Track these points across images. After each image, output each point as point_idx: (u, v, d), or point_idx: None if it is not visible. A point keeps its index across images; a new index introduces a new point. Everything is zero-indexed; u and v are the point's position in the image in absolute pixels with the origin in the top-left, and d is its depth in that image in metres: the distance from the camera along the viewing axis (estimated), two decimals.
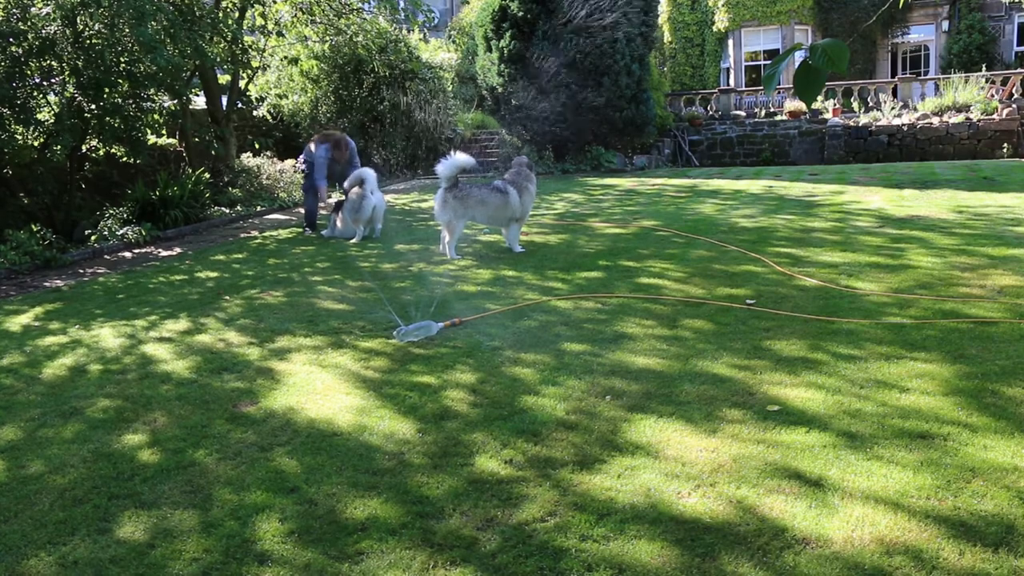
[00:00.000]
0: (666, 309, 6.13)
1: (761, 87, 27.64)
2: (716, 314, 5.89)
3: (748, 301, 6.17)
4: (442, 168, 8.58)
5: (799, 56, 2.44)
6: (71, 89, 12.25)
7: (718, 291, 6.57)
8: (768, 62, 30.58)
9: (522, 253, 8.67)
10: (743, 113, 24.58)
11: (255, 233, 12.27)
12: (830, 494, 3.27)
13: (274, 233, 11.85)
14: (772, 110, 24.08)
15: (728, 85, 29.28)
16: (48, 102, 12.77)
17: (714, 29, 31.00)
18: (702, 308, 6.09)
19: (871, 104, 23.16)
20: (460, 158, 8.59)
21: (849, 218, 10.02)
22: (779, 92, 24.31)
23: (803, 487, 3.34)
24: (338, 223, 10.90)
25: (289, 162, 17.21)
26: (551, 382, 4.66)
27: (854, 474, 3.42)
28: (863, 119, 22.03)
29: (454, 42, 26.86)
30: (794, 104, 23.13)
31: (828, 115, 22.56)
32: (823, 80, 2.37)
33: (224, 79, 17.20)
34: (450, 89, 22.64)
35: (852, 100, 23.51)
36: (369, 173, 10.50)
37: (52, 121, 12.40)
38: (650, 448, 3.75)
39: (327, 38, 18.35)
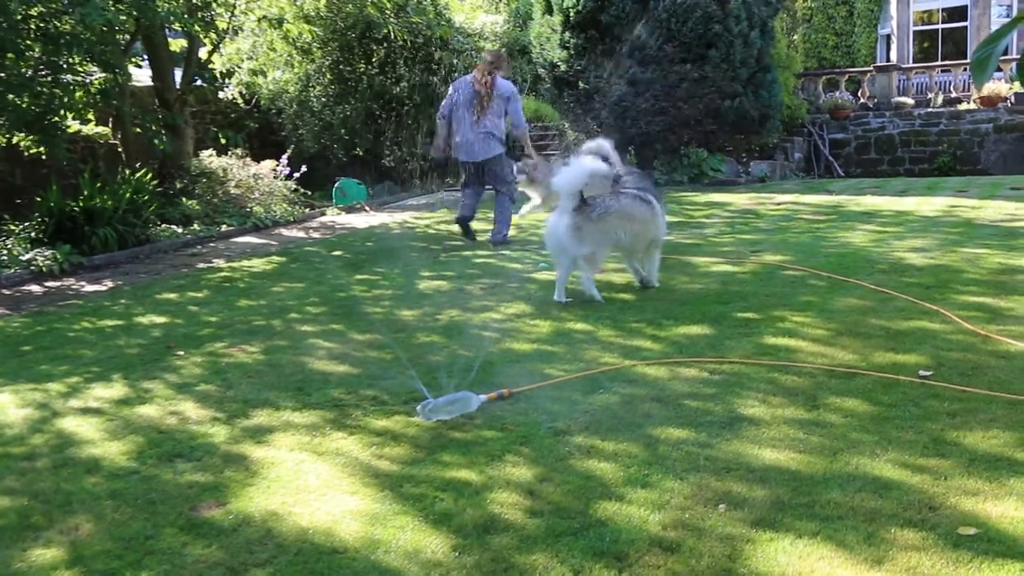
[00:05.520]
0: (802, 381, 6.10)
1: (937, 63, 27.55)
2: (876, 390, 5.85)
3: (923, 373, 6.12)
4: (565, 180, 8.28)
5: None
6: None
7: (877, 357, 6.53)
8: (948, 25, 30.44)
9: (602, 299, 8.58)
10: (910, 100, 24.48)
11: (219, 262, 12.49)
12: None
13: (247, 263, 12.07)
14: (954, 95, 23.89)
15: (888, 60, 29.20)
16: None
17: None
18: (855, 381, 6.05)
19: None
20: (590, 162, 8.34)
21: None
22: (965, 70, 24.01)
23: None
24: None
25: (268, 163, 17.38)
26: (640, 482, 4.66)
27: None
28: None
29: None
30: (990, 87, 22.79)
31: None
32: None
33: (178, 45, 17.49)
34: None
35: None
36: None
37: None
38: None
39: None
